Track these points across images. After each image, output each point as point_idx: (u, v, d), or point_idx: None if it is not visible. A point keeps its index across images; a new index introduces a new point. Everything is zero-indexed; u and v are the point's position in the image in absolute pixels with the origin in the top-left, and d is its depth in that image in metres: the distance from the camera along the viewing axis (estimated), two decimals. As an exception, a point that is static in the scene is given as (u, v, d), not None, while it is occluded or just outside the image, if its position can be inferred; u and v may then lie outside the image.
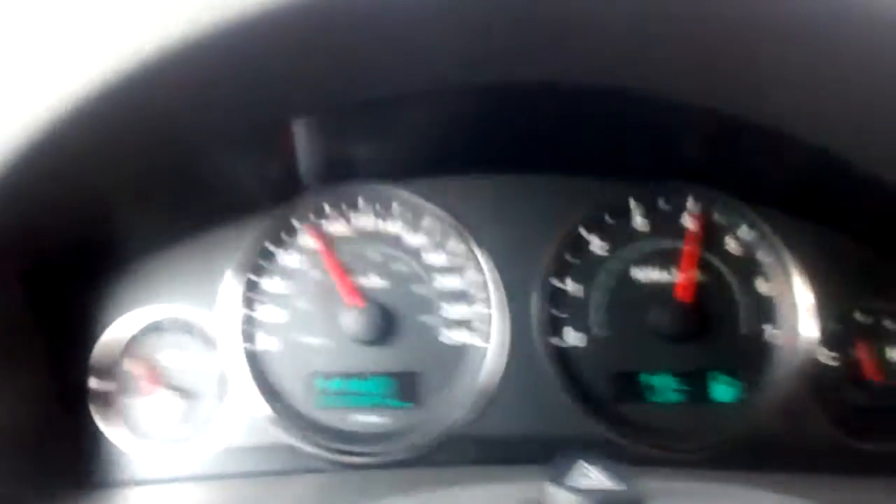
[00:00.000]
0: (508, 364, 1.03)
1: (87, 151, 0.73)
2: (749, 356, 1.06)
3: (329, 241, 1.07)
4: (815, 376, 1.05)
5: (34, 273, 0.92)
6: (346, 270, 1.06)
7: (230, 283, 1.04)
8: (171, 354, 1.04)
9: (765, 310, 1.07)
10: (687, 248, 1.07)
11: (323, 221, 1.07)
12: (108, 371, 1.03)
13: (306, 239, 1.07)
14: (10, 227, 0.80)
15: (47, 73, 0.65)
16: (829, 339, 1.06)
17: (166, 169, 0.88)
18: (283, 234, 1.06)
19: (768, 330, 1.07)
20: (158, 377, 1.03)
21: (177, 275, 1.04)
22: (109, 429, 1.02)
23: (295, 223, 1.07)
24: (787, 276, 1.06)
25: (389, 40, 0.71)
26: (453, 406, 1.03)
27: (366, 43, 0.70)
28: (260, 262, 1.06)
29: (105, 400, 1.02)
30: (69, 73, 0.64)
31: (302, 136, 0.95)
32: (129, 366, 1.03)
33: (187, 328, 1.04)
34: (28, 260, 0.89)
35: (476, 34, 0.71)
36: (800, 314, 1.05)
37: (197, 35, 0.61)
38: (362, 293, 1.05)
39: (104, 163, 0.79)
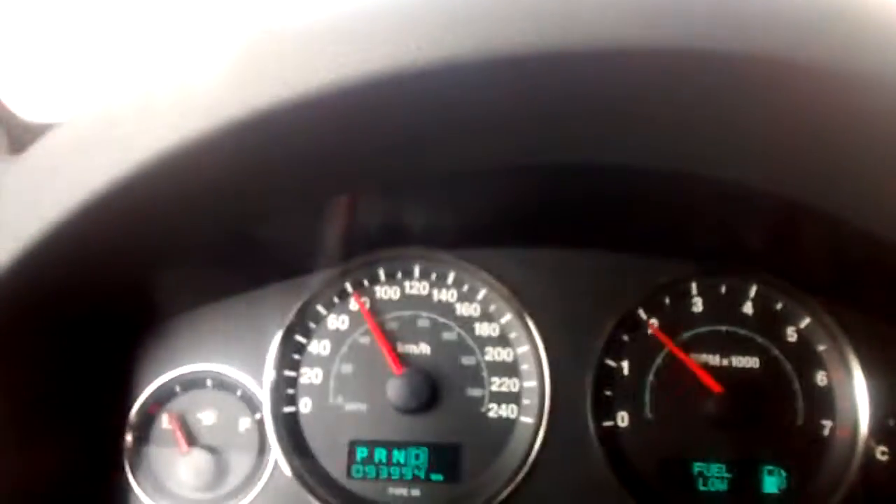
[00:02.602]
0: (554, 441, 1.00)
1: (139, 211, 0.71)
2: (802, 448, 1.03)
3: (380, 306, 1.04)
4: (869, 473, 1.02)
5: (77, 328, 0.89)
6: (394, 337, 1.03)
7: (276, 344, 1.01)
8: (210, 413, 1.01)
9: (821, 402, 1.04)
10: (745, 334, 1.04)
11: (376, 287, 1.04)
12: (146, 428, 1.00)
13: (355, 304, 1.04)
14: (56, 283, 0.78)
15: (110, 137, 0.63)
16: (885, 436, 1.03)
17: (220, 232, 0.86)
18: (335, 298, 1.04)
19: (824, 422, 1.04)
20: (195, 436, 1.00)
21: (222, 334, 1.02)
22: (141, 486, 0.99)
23: (348, 287, 1.04)
24: (847, 368, 1.03)
25: (451, 123, 0.69)
26: (494, 482, 1.00)
27: (430, 124, 0.69)
28: (309, 324, 1.03)
29: (140, 456, 1.00)
30: (131, 138, 0.62)
31: (360, 204, 0.93)
32: (167, 423, 1.00)
33: (229, 387, 1.01)
34: (71, 315, 0.87)
35: (542, 121, 0.70)
36: (858, 408, 1.02)
37: (264, 109, 0.59)
38: (409, 361, 1.02)
39: (156, 223, 0.78)
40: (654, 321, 1.05)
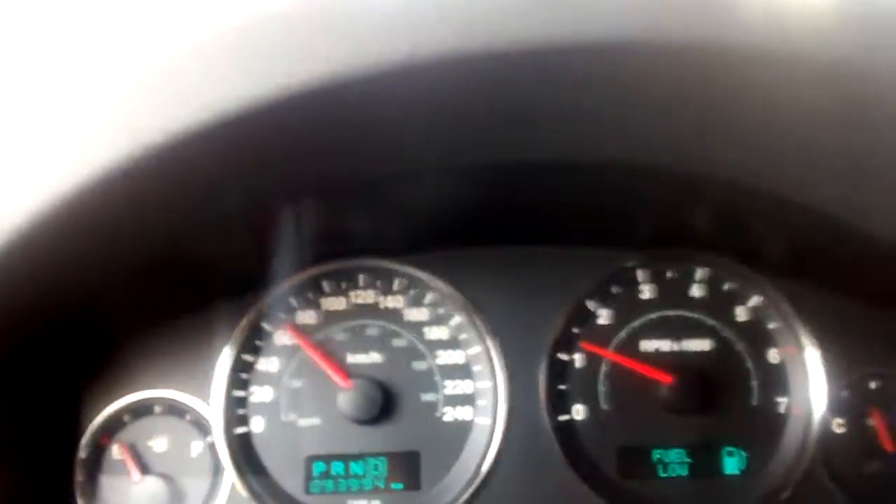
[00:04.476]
0: (512, 440, 1.00)
1: (76, 238, 0.70)
2: (759, 427, 1.04)
3: (327, 318, 1.03)
4: (827, 446, 1.03)
5: (17, 361, 0.87)
6: (343, 348, 1.02)
7: (224, 364, 1.00)
8: (161, 440, 1.00)
9: (775, 379, 1.04)
10: (695, 317, 1.04)
11: (322, 299, 1.03)
12: (97, 459, 0.99)
13: (303, 317, 1.03)
14: None
15: (40, 162, 0.62)
16: (840, 408, 1.03)
17: (161, 253, 0.85)
18: (280, 313, 1.02)
19: (779, 399, 1.04)
20: (148, 464, 0.99)
21: (168, 359, 1.00)
22: (95, 520, 0.97)
23: (293, 302, 1.02)
24: (798, 343, 1.03)
25: (386, 128, 0.68)
26: (454, 486, 1.00)
27: (363, 131, 0.67)
28: (256, 343, 1.02)
29: (92, 489, 0.98)
30: (64, 161, 0.61)
31: (299, 215, 0.92)
32: (117, 453, 0.99)
33: (179, 412, 1.00)
34: (10, 347, 0.85)
35: (475, 120, 0.69)
36: (811, 383, 1.03)
37: (193, 127, 0.58)
38: (360, 371, 1.01)
39: (93, 249, 0.76)
40: (602, 311, 1.04)
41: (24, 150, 0.63)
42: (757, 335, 1.05)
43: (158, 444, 1.00)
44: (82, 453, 0.98)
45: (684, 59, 0.56)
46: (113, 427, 1.00)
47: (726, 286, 1.06)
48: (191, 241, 0.86)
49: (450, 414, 1.02)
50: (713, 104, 0.64)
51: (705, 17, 0.54)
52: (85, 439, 0.99)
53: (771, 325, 1.05)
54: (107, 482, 0.99)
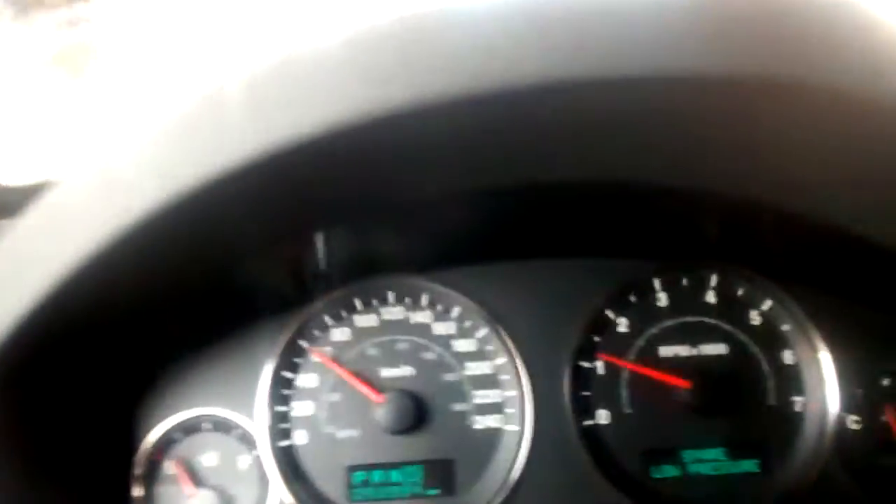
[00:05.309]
0: (541, 445, 1.05)
1: (125, 268, 0.75)
2: (777, 426, 1.08)
3: (360, 334, 1.09)
4: (843, 442, 1.06)
5: (71, 385, 0.93)
6: (376, 362, 1.08)
7: (266, 382, 1.06)
8: (211, 455, 1.06)
9: (791, 379, 1.09)
10: (711, 323, 1.09)
11: (354, 316, 1.09)
12: (151, 475, 1.05)
13: (337, 334, 1.09)
14: (44, 340, 0.82)
15: (99, 199, 0.67)
16: (855, 405, 1.07)
17: (201, 280, 0.90)
18: (315, 331, 1.08)
19: (795, 399, 1.08)
20: (200, 478, 1.05)
21: (214, 378, 1.06)
22: (152, 533, 1.04)
23: (327, 319, 1.09)
24: (812, 344, 1.08)
25: (413, 159, 0.73)
26: (488, 490, 1.05)
27: (390, 163, 0.72)
28: (294, 360, 1.08)
29: (149, 502, 1.04)
30: (119, 198, 0.66)
31: (333, 238, 0.98)
32: (169, 469, 1.05)
33: (226, 428, 1.06)
34: (65, 373, 0.91)
35: (495, 144, 0.73)
36: (825, 382, 1.07)
37: (236, 165, 0.63)
38: (393, 384, 1.07)
39: (142, 277, 0.81)
40: (621, 320, 1.09)
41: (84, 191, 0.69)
42: (771, 338, 1.09)
43: (208, 459, 1.06)
44: (138, 469, 1.04)
45: (728, 92, 0.59)
46: (165, 444, 1.06)
47: (739, 292, 1.10)
48: (234, 267, 0.92)
49: (480, 422, 1.07)
50: (746, 133, 0.67)
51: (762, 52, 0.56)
52: (140, 456, 1.05)
53: (784, 328, 1.09)
54: (163, 496, 1.05)
